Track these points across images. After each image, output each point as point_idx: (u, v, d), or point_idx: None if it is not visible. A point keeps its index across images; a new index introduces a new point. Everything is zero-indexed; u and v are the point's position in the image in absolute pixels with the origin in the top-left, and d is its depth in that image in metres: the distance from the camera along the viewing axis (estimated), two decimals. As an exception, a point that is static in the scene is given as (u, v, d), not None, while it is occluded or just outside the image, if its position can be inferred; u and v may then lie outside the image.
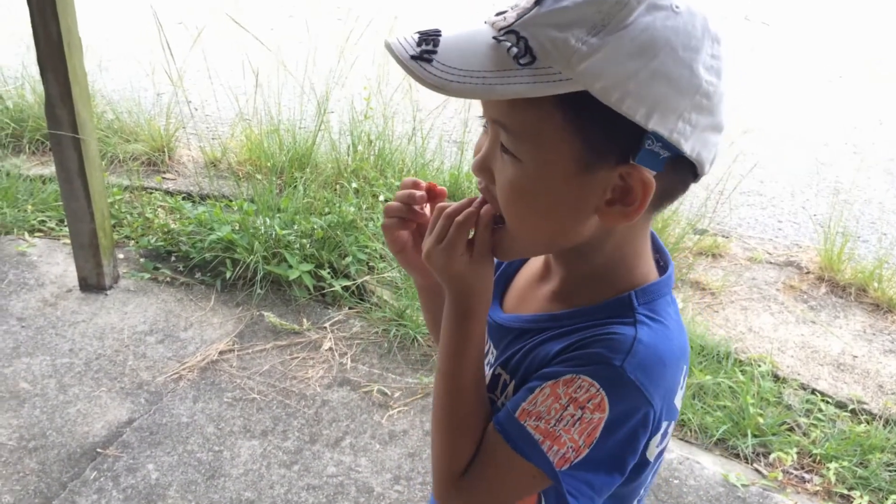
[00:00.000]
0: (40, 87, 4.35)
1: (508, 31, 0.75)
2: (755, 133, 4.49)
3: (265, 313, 2.96)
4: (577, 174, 0.78)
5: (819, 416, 2.59)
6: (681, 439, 2.50)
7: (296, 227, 3.21)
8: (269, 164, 3.72)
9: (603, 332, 0.83)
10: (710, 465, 2.38)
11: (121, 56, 5.35)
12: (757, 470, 2.40)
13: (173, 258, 3.27)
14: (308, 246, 3.11)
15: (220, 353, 2.76)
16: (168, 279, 3.16)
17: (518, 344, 0.92)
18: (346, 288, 3.04)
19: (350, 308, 3.03)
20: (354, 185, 3.43)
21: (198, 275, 3.18)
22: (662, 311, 0.86)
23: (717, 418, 2.53)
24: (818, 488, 2.34)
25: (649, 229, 0.90)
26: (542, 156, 0.79)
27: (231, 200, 3.53)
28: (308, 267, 3.05)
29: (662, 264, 0.93)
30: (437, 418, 0.92)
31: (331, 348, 2.82)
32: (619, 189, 0.79)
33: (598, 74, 0.72)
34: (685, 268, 3.33)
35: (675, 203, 3.57)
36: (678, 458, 2.40)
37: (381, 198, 3.40)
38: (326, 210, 3.32)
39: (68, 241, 3.19)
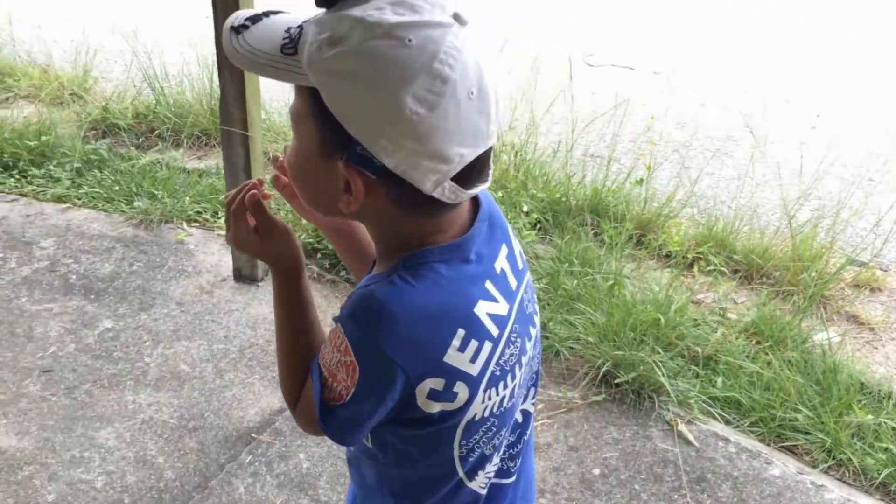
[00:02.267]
0: (199, 85, 4.60)
1: (303, 23, 0.87)
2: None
3: (408, 315, 3.00)
4: (320, 158, 0.90)
5: None
6: (839, 479, 2.37)
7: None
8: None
9: (359, 289, 0.94)
10: (873, 510, 2.26)
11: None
12: (924, 520, 2.26)
13: (319, 255, 3.36)
14: (453, 252, 3.14)
15: (366, 351, 2.81)
16: (315, 275, 3.25)
17: None
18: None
19: (490, 316, 3.04)
20: (500, 193, 3.44)
21: (343, 273, 3.26)
22: (422, 274, 0.92)
23: (878, 461, 2.39)
24: None
25: (439, 219, 0.94)
26: (301, 137, 0.91)
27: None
28: (452, 272, 3.08)
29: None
30: (277, 359, 1.11)
31: (473, 355, 2.82)
32: (346, 181, 0.89)
33: (324, 79, 0.84)
34: (841, 299, 3.17)
35: (829, 235, 3.34)
36: (838, 498, 2.28)
37: (525, 208, 3.40)
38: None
39: (222, 232, 3.33)
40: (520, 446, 1.11)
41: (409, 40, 0.81)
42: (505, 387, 1.00)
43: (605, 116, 3.89)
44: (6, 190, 3.75)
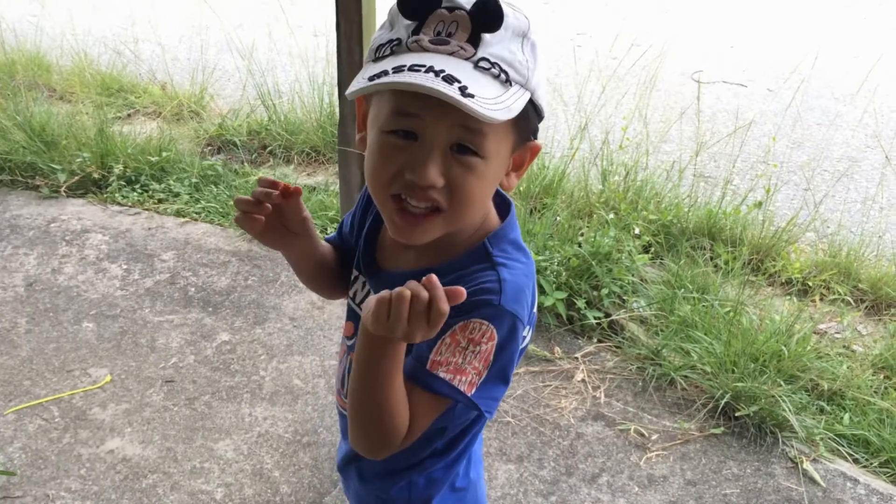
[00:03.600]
0: (309, 102, 4.71)
1: (480, 58, 0.93)
2: None
3: (517, 337, 2.97)
4: (507, 158, 1.04)
5: None
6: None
7: (547, 252, 3.21)
8: (520, 188, 3.76)
9: (475, 281, 1.02)
10: None
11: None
12: None
13: (427, 274, 3.37)
14: (563, 273, 3.10)
15: (475, 372, 2.80)
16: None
17: None
18: (597, 321, 2.99)
19: (600, 341, 2.98)
20: (611, 215, 3.38)
21: (450, 292, 3.26)
22: (510, 248, 1.08)
23: None
24: None
25: None
26: (500, 150, 1.00)
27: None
28: (562, 295, 3.04)
29: (504, 208, 1.15)
30: (373, 419, 1.03)
31: (583, 380, 2.78)
32: (516, 160, 1.07)
33: (538, 83, 0.98)
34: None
35: None
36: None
37: (637, 231, 3.33)
38: (580, 238, 3.30)
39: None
40: None
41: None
42: None
43: (716, 135, 3.79)
44: (129, 203, 3.93)
